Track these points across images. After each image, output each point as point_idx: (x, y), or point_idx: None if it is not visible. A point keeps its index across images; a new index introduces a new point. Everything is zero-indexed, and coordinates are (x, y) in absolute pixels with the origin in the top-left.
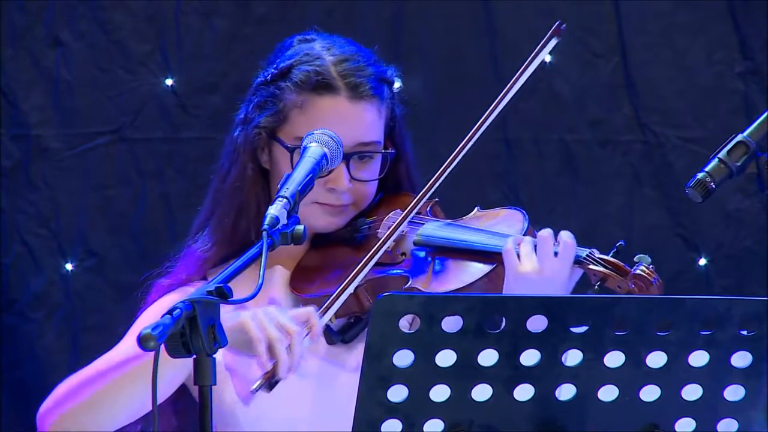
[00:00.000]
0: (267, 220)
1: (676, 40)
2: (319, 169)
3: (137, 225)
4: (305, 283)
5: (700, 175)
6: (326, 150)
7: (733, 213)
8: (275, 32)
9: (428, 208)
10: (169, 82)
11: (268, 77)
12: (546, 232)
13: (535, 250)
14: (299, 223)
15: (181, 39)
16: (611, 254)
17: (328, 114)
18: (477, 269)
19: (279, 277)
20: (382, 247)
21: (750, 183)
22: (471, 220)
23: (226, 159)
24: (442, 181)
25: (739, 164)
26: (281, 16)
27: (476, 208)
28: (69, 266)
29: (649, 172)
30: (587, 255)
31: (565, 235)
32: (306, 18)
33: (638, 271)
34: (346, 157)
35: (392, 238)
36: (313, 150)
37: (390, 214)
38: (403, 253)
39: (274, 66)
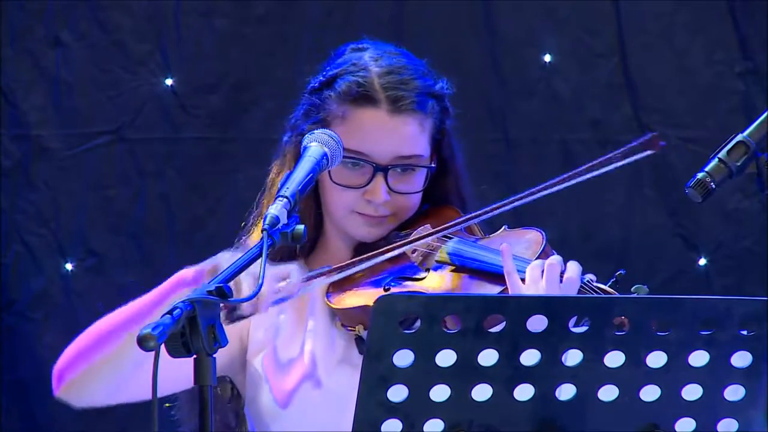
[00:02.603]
0: (267, 220)
1: (676, 40)
2: (319, 169)
3: (137, 225)
4: (338, 294)
5: (700, 175)
6: (326, 149)
7: (733, 213)
8: (275, 32)
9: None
10: (168, 82)
11: (316, 85)
12: (555, 259)
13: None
14: (299, 223)
15: (181, 39)
16: (610, 284)
17: (367, 126)
18: (490, 290)
19: (318, 284)
20: (393, 250)
21: (750, 183)
22: (496, 238)
23: (275, 164)
24: (484, 218)
25: (739, 164)
26: (281, 16)
27: (504, 227)
28: (69, 266)
29: (649, 172)
30: (585, 283)
31: (572, 269)
32: (306, 18)
33: None
34: (384, 170)
35: (406, 248)
36: (314, 149)
37: (419, 229)
38: (428, 269)
39: (323, 74)
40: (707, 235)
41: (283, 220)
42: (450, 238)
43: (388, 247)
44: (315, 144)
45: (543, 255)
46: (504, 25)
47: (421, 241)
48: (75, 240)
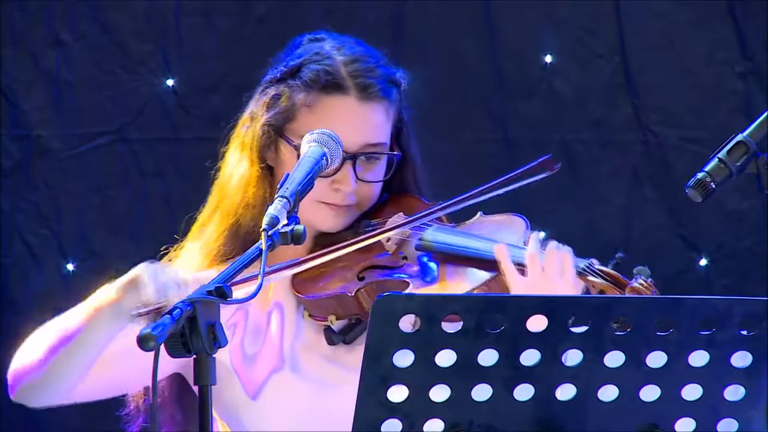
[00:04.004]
0: (266, 220)
1: (676, 40)
2: (319, 169)
3: (138, 225)
4: (307, 284)
5: (700, 175)
6: (326, 149)
7: (733, 213)
8: (275, 32)
9: None
10: (169, 82)
11: (278, 75)
12: (553, 245)
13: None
14: (299, 223)
15: (181, 39)
16: (611, 266)
17: (336, 114)
18: (477, 276)
19: (281, 277)
20: (371, 238)
21: (750, 183)
22: (473, 225)
23: (231, 155)
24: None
25: (739, 164)
26: (281, 16)
27: (479, 213)
28: (70, 266)
29: (649, 172)
30: (586, 266)
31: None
32: (306, 18)
33: (636, 285)
34: (353, 158)
35: (386, 235)
36: (313, 150)
37: (393, 218)
38: (405, 257)
39: (284, 64)
40: (708, 236)
41: (283, 220)
42: (428, 225)
43: (366, 236)
44: (314, 144)
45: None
46: (504, 25)
47: (399, 228)
48: (76, 240)
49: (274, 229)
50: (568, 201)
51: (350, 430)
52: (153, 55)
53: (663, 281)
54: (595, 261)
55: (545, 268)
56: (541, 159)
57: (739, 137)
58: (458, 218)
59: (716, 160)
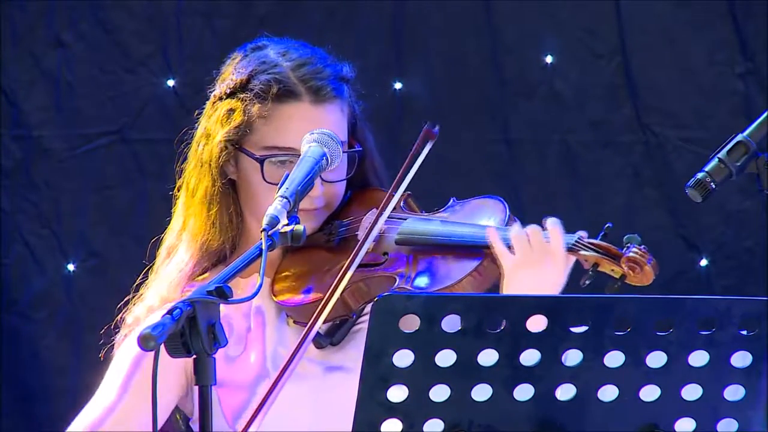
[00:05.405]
0: (266, 221)
1: (676, 40)
2: (319, 169)
3: (139, 225)
4: (287, 291)
5: (700, 175)
6: (326, 149)
7: (733, 213)
8: (276, 33)
9: (402, 203)
10: (170, 82)
11: (227, 89)
12: (533, 226)
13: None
14: (299, 223)
15: (182, 40)
16: (600, 237)
17: (293, 120)
18: (464, 265)
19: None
20: (360, 250)
21: (750, 183)
22: (449, 212)
23: (191, 174)
24: (411, 179)
25: (739, 164)
26: (282, 16)
27: (452, 199)
28: (71, 267)
29: (649, 173)
30: (577, 241)
31: (551, 223)
32: (306, 19)
33: (631, 254)
34: None
35: (370, 240)
36: (313, 150)
37: (367, 215)
38: (385, 253)
39: (232, 78)
40: (708, 236)
41: (283, 220)
42: (404, 218)
43: (356, 251)
44: (314, 144)
45: (511, 222)
46: (504, 25)
47: (376, 227)
48: (76, 241)
49: (274, 229)
50: (568, 201)
51: (345, 430)
52: (154, 56)
53: (663, 281)
54: (584, 234)
55: (531, 243)
56: (421, 133)
57: (739, 137)
58: (430, 207)
59: (716, 160)
